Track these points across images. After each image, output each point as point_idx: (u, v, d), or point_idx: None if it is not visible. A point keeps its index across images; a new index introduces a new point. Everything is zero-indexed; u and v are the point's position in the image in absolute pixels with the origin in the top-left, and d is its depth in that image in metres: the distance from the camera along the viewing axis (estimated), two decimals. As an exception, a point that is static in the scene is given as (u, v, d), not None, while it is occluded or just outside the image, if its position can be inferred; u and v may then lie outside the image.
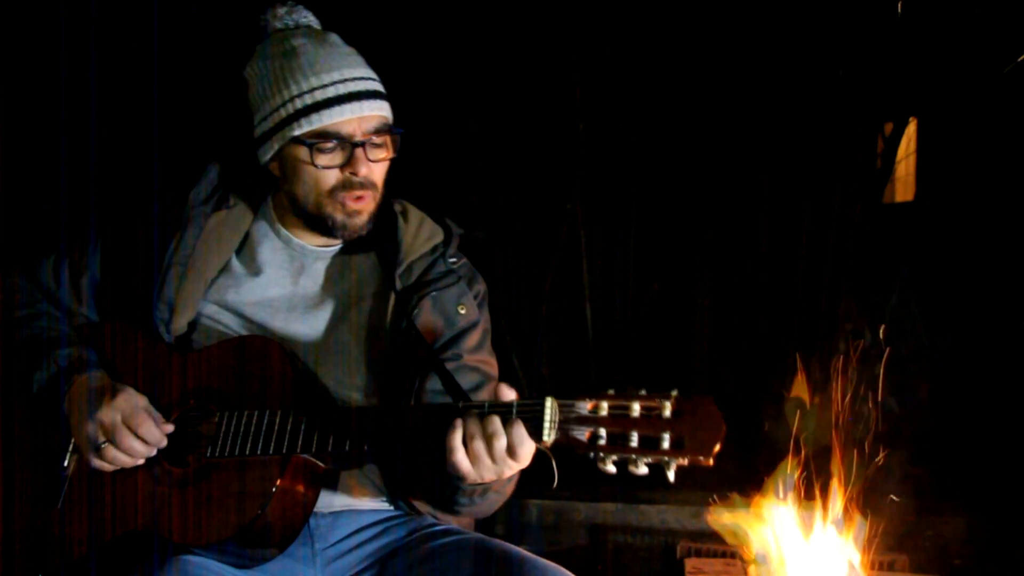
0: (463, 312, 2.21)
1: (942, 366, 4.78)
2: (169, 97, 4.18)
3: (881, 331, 4.51)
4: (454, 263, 2.28)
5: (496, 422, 1.79)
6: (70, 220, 3.27)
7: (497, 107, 4.83)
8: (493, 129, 4.85)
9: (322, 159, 2.13)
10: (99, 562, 2.03)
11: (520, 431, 1.77)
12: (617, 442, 1.69)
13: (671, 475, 1.67)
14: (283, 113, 2.14)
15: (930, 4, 4.54)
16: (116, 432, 2.02)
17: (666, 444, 1.66)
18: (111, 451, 2.03)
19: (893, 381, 4.72)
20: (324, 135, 2.12)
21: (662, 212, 5.02)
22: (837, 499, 2.83)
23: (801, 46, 4.67)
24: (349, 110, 2.12)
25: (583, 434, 1.72)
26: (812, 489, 2.84)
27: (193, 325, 2.21)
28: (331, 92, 2.12)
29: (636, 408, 1.70)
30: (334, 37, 2.23)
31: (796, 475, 2.81)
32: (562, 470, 1.84)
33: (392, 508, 2.21)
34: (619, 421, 1.70)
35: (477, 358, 2.21)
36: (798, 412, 2.79)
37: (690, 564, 3.40)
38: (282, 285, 2.24)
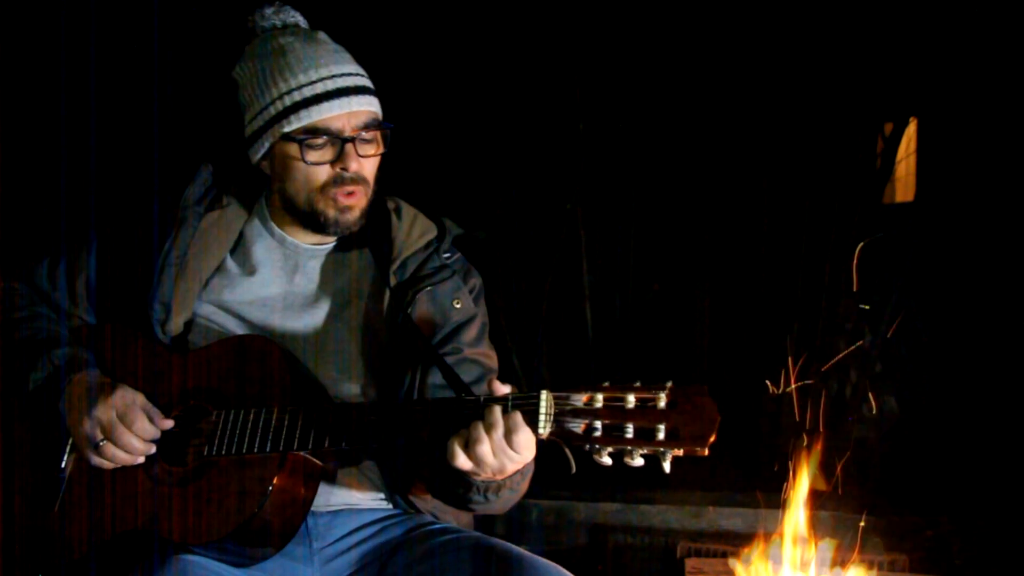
0: (458, 306, 2.21)
1: (913, 365, 4.77)
2: (163, 98, 4.18)
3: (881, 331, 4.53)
4: (448, 258, 2.28)
5: (494, 414, 1.79)
6: (67, 222, 3.27)
7: (497, 107, 4.83)
8: (493, 129, 4.85)
9: (312, 155, 2.13)
10: (98, 561, 2.03)
11: (517, 422, 1.76)
12: (612, 434, 1.69)
13: (667, 466, 1.67)
14: (272, 111, 2.14)
15: (930, 4, 4.54)
16: (114, 429, 2.02)
17: (661, 435, 1.66)
18: (110, 448, 2.03)
19: (893, 381, 4.73)
20: (313, 131, 2.12)
21: (662, 212, 5.02)
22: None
23: (801, 46, 4.67)
24: (338, 106, 2.12)
25: (578, 426, 1.72)
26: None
27: (189, 325, 2.21)
28: (319, 88, 2.12)
29: (631, 400, 1.70)
30: (321, 35, 2.23)
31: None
32: (562, 470, 1.84)
33: (391, 507, 2.20)
34: (614, 413, 1.70)
35: (477, 351, 2.21)
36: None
37: (690, 564, 3.39)
38: (277, 284, 2.24)
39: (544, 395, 1.76)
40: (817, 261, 4.71)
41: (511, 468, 1.83)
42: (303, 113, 2.12)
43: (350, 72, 2.17)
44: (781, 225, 4.83)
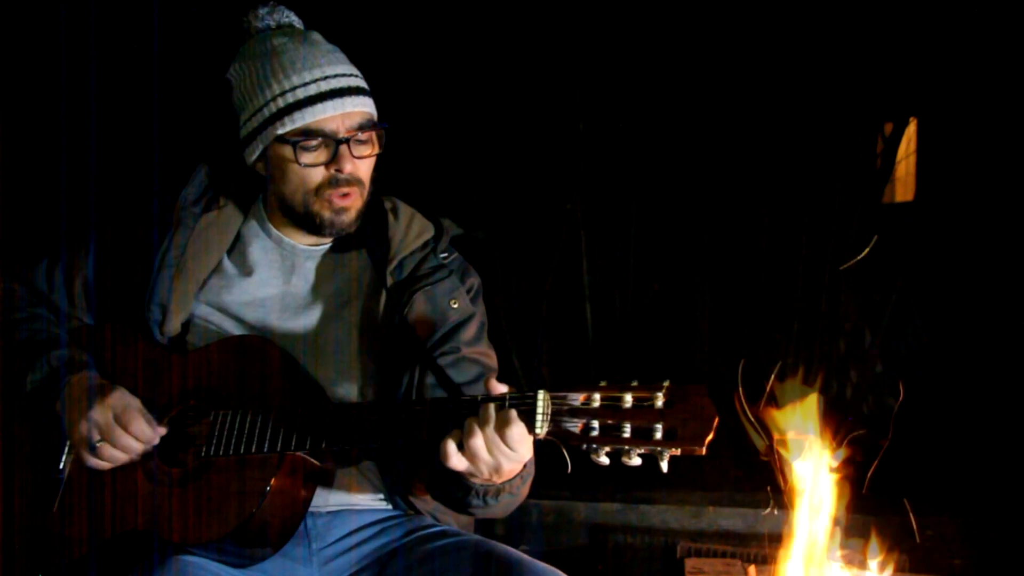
0: (455, 306, 2.21)
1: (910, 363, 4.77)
2: (162, 99, 4.18)
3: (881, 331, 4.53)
4: (445, 258, 2.29)
5: (488, 410, 1.79)
6: (66, 223, 3.28)
7: (497, 107, 4.82)
8: (493, 129, 4.85)
9: (306, 157, 2.13)
10: (98, 562, 2.04)
11: (511, 417, 1.76)
12: (610, 433, 1.69)
13: (664, 465, 1.67)
14: (266, 113, 2.14)
15: (930, 4, 4.54)
16: (110, 431, 2.03)
17: (659, 435, 1.66)
18: (107, 449, 2.04)
19: (892, 380, 4.72)
20: (308, 133, 2.12)
21: (662, 212, 5.01)
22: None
23: (801, 46, 4.66)
24: (332, 107, 2.13)
25: (576, 426, 1.72)
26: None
27: (187, 326, 2.22)
28: (313, 90, 2.13)
29: (628, 399, 1.70)
30: (316, 35, 2.23)
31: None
32: (560, 469, 1.84)
33: (390, 508, 2.21)
34: (612, 412, 1.70)
35: (476, 350, 2.22)
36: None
37: (690, 564, 3.40)
38: (274, 285, 2.25)
39: (541, 395, 1.76)
40: (817, 261, 4.71)
41: (508, 467, 1.82)
42: (297, 115, 2.12)
43: (344, 73, 2.17)
44: (781, 225, 4.82)
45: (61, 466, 2.12)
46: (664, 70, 4.82)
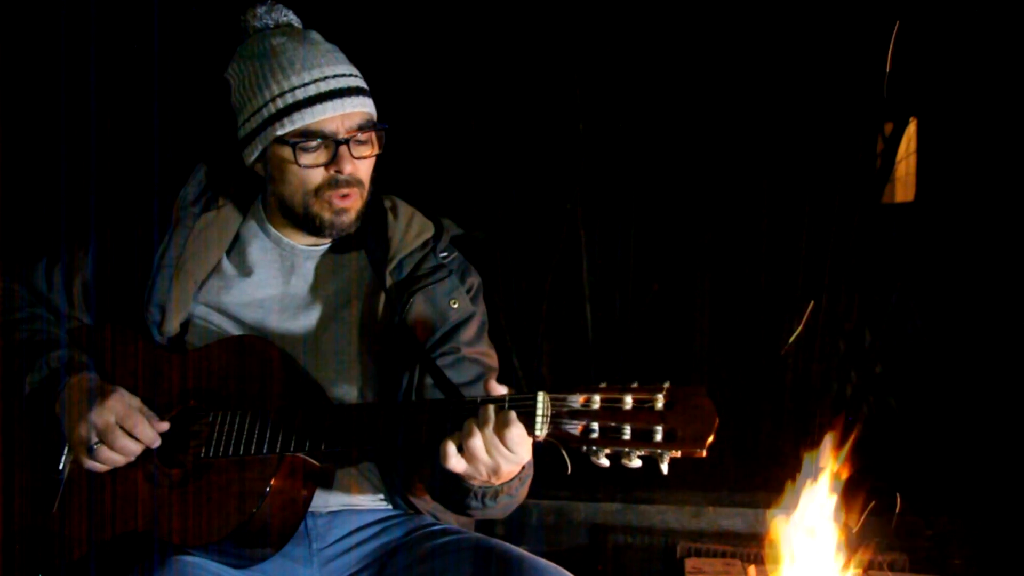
0: (455, 306, 2.20)
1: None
2: (161, 98, 4.18)
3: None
4: (445, 257, 2.27)
5: (487, 411, 1.78)
6: (65, 223, 3.28)
7: (497, 106, 4.82)
8: (493, 129, 4.85)
9: (306, 158, 2.12)
10: (98, 562, 2.04)
11: (510, 418, 1.76)
12: (610, 435, 1.68)
13: (664, 467, 1.66)
14: (265, 113, 2.13)
15: (931, 4, 4.53)
16: (110, 433, 2.03)
17: (659, 437, 1.65)
18: (105, 452, 2.03)
19: (892, 380, 4.73)
20: (307, 134, 2.11)
21: (662, 212, 5.01)
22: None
23: (801, 46, 4.66)
24: (331, 107, 2.11)
25: (575, 428, 1.71)
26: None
27: (186, 327, 2.21)
28: (312, 90, 2.11)
29: (628, 401, 1.69)
30: (314, 35, 2.22)
31: None
32: (559, 469, 1.84)
33: (390, 507, 2.21)
34: (611, 414, 1.69)
35: (476, 350, 2.21)
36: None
37: (690, 564, 3.40)
38: (274, 285, 2.24)
39: (540, 396, 1.75)
40: (817, 261, 4.71)
41: (506, 469, 1.82)
42: (296, 116, 2.10)
43: (343, 73, 2.16)
44: (781, 225, 4.82)
45: (61, 467, 2.12)
46: (664, 71, 4.82)
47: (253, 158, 2.19)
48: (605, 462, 1.69)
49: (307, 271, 2.26)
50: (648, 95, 4.84)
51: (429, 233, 2.29)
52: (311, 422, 1.95)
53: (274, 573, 2.08)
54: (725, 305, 5.01)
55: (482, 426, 1.77)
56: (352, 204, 2.16)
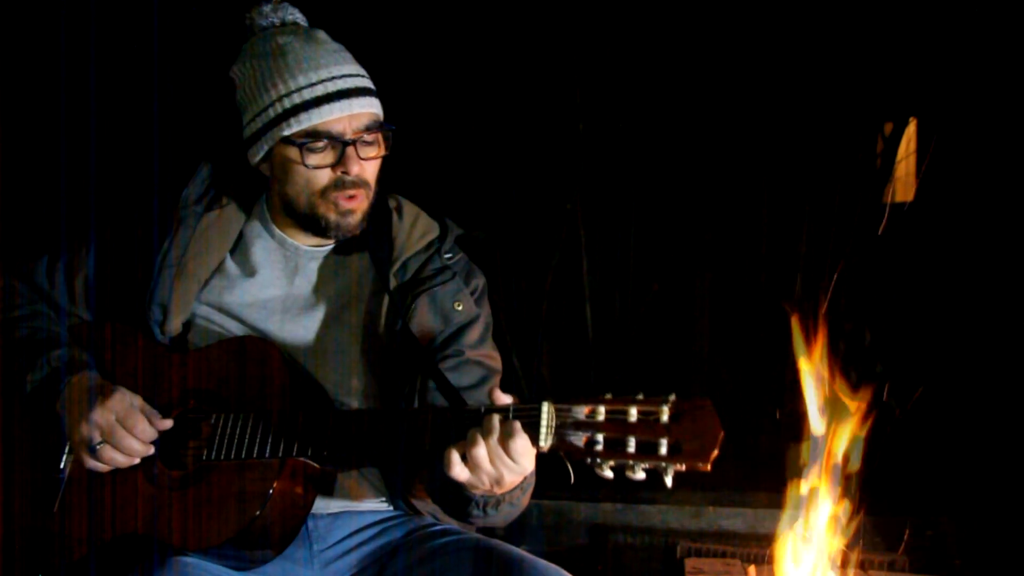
0: (459, 308, 2.20)
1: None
2: (163, 97, 4.17)
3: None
4: (449, 259, 2.27)
5: (492, 420, 1.78)
6: (67, 220, 3.27)
7: (497, 106, 4.82)
8: (493, 129, 4.84)
9: (313, 159, 2.11)
10: (98, 562, 2.04)
11: (515, 428, 1.75)
12: (614, 447, 1.68)
13: (668, 480, 1.65)
14: (271, 113, 2.12)
15: (930, 4, 4.53)
16: (112, 433, 2.02)
17: (663, 450, 1.64)
18: (107, 451, 2.03)
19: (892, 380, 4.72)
20: (314, 135, 2.10)
21: (662, 212, 5.01)
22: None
23: (801, 46, 4.66)
24: (338, 108, 2.11)
25: (580, 439, 1.71)
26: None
27: (188, 326, 2.20)
28: (319, 91, 2.10)
29: (633, 413, 1.68)
30: (321, 34, 2.21)
31: None
32: (561, 476, 1.83)
33: (391, 508, 2.21)
34: (616, 426, 1.69)
35: (480, 353, 2.21)
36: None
37: (690, 564, 3.41)
38: (277, 286, 2.23)
39: (545, 407, 1.74)
40: (817, 261, 4.71)
41: (509, 479, 1.81)
42: (303, 116, 2.10)
43: (351, 73, 2.15)
44: (781, 225, 4.82)
45: (62, 466, 2.12)
46: (664, 70, 4.82)
47: (258, 158, 2.18)
48: (609, 474, 1.68)
49: (311, 272, 2.25)
50: (648, 95, 4.84)
51: (434, 234, 2.28)
52: (313, 427, 1.95)
53: (275, 574, 2.08)
54: (725, 305, 5.01)
55: (486, 436, 1.77)
56: (358, 205, 2.16)
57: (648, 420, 1.67)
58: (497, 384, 2.19)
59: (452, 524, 2.21)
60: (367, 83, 2.18)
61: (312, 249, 2.25)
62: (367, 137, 2.14)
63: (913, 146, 5.03)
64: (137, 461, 2.05)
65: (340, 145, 2.12)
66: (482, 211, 4.81)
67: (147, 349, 2.16)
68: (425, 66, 4.69)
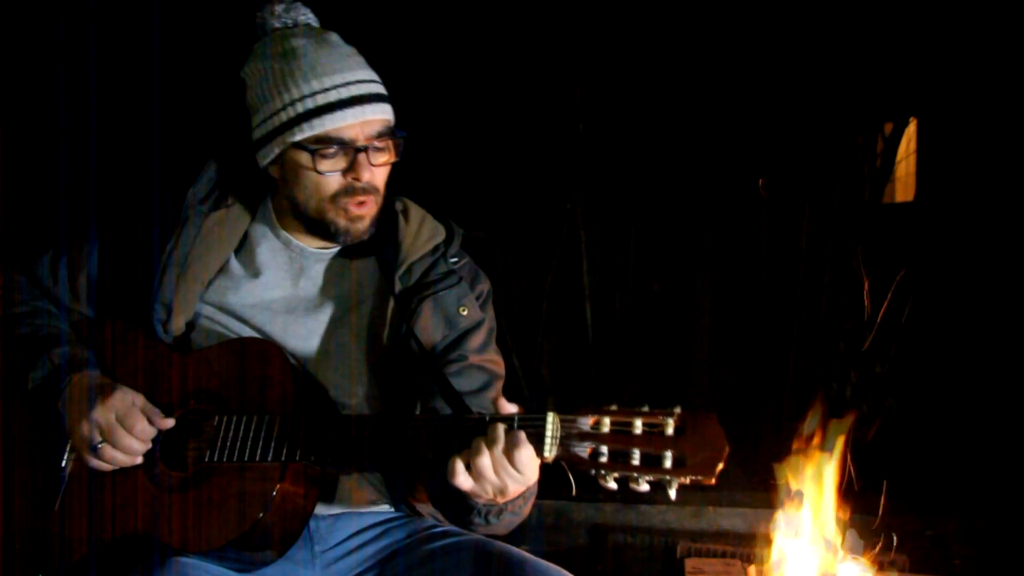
0: (464, 313, 2.19)
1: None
2: (168, 95, 4.17)
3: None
4: (455, 263, 2.25)
5: (497, 430, 1.77)
6: (69, 217, 3.26)
7: (497, 107, 4.82)
8: (493, 129, 4.84)
9: (324, 164, 2.10)
10: (98, 563, 2.03)
11: (520, 439, 1.74)
12: (618, 459, 1.67)
13: (672, 494, 1.65)
14: (284, 117, 2.10)
15: (929, 4, 4.53)
16: (113, 432, 2.02)
17: (668, 463, 1.64)
18: (108, 451, 2.02)
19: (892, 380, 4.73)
20: (326, 140, 2.08)
21: (662, 212, 5.01)
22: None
23: (801, 46, 4.66)
24: (352, 115, 2.09)
25: (584, 450, 1.70)
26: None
27: (191, 326, 2.19)
28: (333, 96, 2.09)
29: (638, 425, 1.68)
30: (334, 37, 2.19)
31: None
32: (563, 476, 1.83)
33: (392, 510, 2.21)
34: (621, 438, 1.68)
35: (483, 357, 2.20)
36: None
37: (690, 564, 3.41)
38: (282, 287, 2.22)
39: (550, 417, 1.74)
40: (817, 261, 4.71)
41: (513, 489, 1.80)
42: (316, 122, 2.08)
43: (364, 79, 2.13)
44: (781, 225, 4.82)
45: (63, 464, 2.12)
46: (664, 70, 4.82)
47: (268, 160, 2.16)
48: (613, 485, 1.68)
49: (316, 274, 2.24)
50: (648, 95, 4.84)
51: (440, 237, 2.27)
52: (316, 432, 1.94)
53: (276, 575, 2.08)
54: (725, 305, 5.01)
55: (491, 446, 1.76)
56: (368, 211, 2.14)
57: (653, 432, 1.67)
58: (500, 389, 2.19)
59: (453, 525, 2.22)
60: (380, 89, 2.16)
61: (317, 251, 2.24)
62: (379, 144, 2.12)
63: (913, 146, 5.04)
64: (139, 460, 2.04)
65: (352, 151, 2.10)
66: (482, 211, 4.82)
67: (148, 348, 2.15)
68: (425, 66, 4.68)
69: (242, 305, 2.20)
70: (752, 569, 3.18)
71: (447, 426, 1.85)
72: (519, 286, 4.92)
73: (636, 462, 1.66)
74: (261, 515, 1.92)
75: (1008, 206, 4.72)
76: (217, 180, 2.29)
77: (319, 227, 2.17)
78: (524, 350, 4.90)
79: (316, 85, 2.09)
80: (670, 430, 1.66)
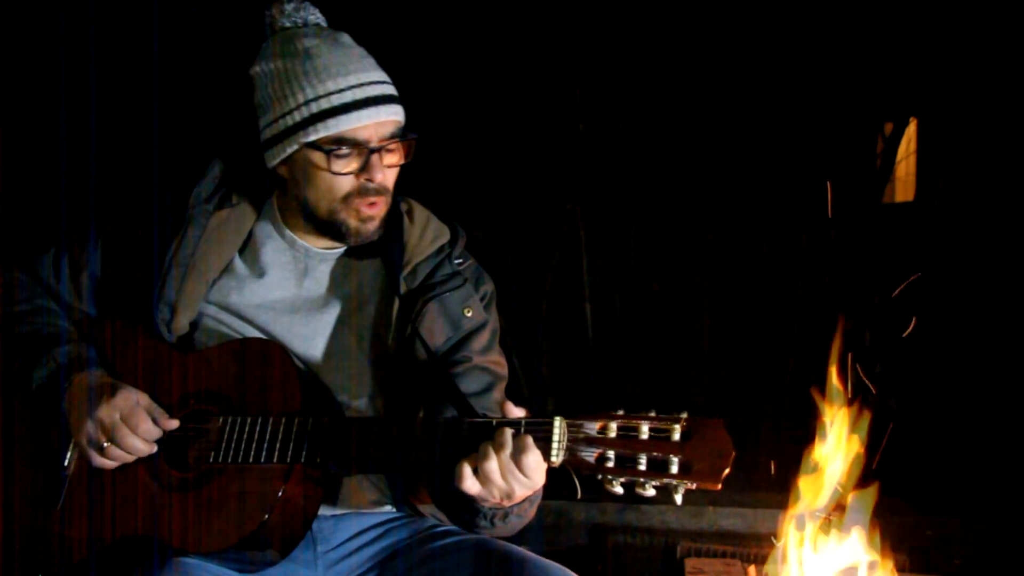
0: (469, 315, 2.19)
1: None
2: (171, 94, 4.17)
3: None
4: (460, 264, 2.25)
5: (504, 434, 1.77)
6: (71, 215, 3.26)
7: (497, 107, 4.82)
8: (493, 129, 4.84)
9: (338, 165, 2.09)
10: (99, 563, 2.03)
11: (527, 443, 1.74)
12: (625, 464, 1.67)
13: (678, 499, 1.66)
14: (296, 117, 2.09)
15: (930, 4, 4.53)
16: (117, 431, 2.01)
17: (674, 468, 1.64)
18: (113, 450, 2.02)
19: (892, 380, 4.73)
20: (341, 141, 2.08)
21: (662, 212, 5.02)
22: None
23: (801, 46, 4.66)
24: (367, 115, 2.08)
25: (591, 455, 1.70)
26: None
27: (195, 325, 2.19)
28: (348, 97, 2.08)
29: (645, 430, 1.68)
30: (345, 38, 2.18)
31: None
32: (566, 478, 1.83)
33: (394, 510, 2.20)
34: (627, 443, 1.68)
35: (487, 359, 2.20)
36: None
37: (690, 564, 3.42)
38: (286, 287, 2.22)
39: (557, 422, 1.74)
40: (817, 261, 4.72)
41: (520, 493, 1.80)
42: (331, 122, 2.07)
43: (378, 80, 2.13)
44: (781, 226, 4.82)
45: (66, 463, 2.11)
46: (664, 70, 4.82)
47: (278, 160, 2.15)
48: (619, 490, 1.68)
49: (321, 274, 2.23)
50: (648, 96, 4.84)
51: (445, 239, 2.27)
52: (323, 434, 1.94)
53: (278, 576, 2.08)
54: (725, 305, 5.01)
55: (499, 450, 1.76)
56: (378, 212, 2.14)
57: (660, 438, 1.67)
58: (503, 390, 2.19)
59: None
60: (392, 90, 2.15)
61: (322, 251, 2.23)
62: (391, 145, 2.12)
63: (913, 146, 5.04)
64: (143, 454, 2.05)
65: (366, 152, 2.09)
66: (482, 211, 4.81)
67: (150, 348, 2.15)
68: (425, 66, 4.67)
69: (246, 305, 2.19)
70: (752, 569, 3.18)
71: (453, 429, 1.85)
72: (519, 286, 4.91)
73: (642, 467, 1.66)
74: (265, 517, 1.92)
75: (1008, 206, 4.73)
76: (222, 179, 2.28)
77: (329, 227, 2.16)
78: (524, 350, 4.90)
79: (332, 85, 2.08)
80: (677, 435, 1.66)
